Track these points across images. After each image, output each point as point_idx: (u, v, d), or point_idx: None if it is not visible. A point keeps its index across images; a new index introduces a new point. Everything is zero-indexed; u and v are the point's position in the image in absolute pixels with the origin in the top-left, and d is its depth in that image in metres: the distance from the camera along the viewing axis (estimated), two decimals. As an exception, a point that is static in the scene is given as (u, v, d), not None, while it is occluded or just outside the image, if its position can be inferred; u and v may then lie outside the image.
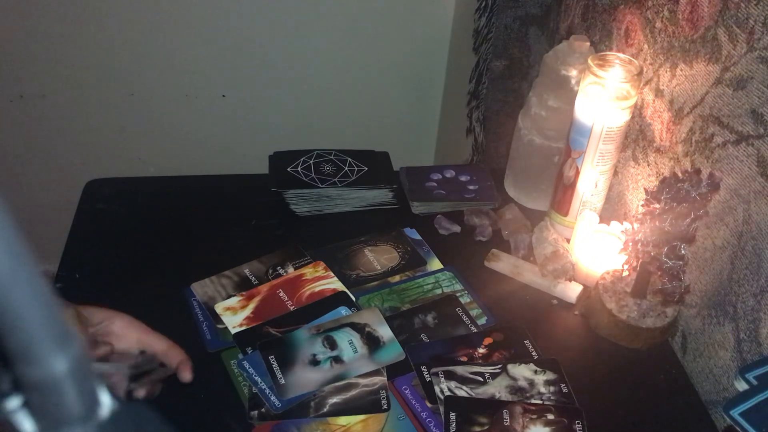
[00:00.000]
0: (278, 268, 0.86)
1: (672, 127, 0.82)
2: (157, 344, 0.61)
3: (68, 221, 0.91)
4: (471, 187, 1.01)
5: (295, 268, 0.86)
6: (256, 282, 0.84)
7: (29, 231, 0.22)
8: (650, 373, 0.78)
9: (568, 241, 0.90)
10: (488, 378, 0.73)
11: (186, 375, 0.61)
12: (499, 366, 0.74)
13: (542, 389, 0.72)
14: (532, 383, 0.73)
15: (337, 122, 1.77)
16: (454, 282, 0.86)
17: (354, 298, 0.82)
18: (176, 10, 1.53)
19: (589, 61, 0.81)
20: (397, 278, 0.86)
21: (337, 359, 0.73)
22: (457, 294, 0.84)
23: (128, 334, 0.61)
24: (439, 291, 0.85)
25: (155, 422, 0.28)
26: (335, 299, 0.81)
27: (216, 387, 0.71)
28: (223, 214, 0.95)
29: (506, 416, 0.68)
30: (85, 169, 1.18)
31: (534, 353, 0.77)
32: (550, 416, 0.69)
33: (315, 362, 0.73)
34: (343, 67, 1.69)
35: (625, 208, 0.95)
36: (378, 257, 0.89)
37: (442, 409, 0.69)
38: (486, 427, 0.67)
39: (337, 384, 0.71)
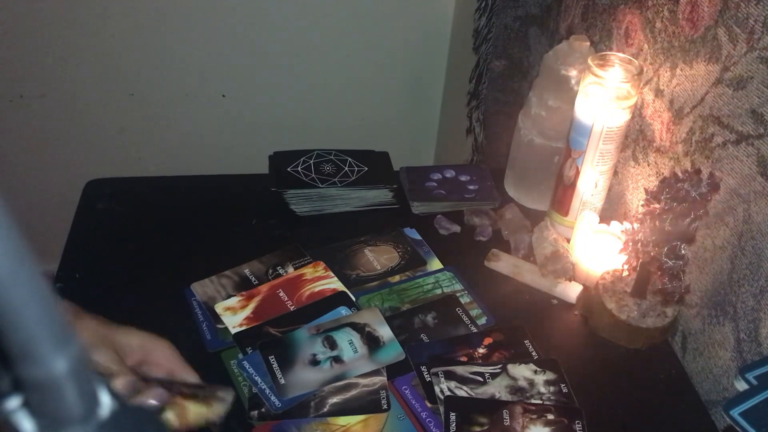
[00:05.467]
0: (278, 268, 0.86)
1: (672, 127, 0.82)
2: (189, 379, 0.59)
3: (68, 221, 0.91)
4: (471, 187, 1.01)
5: (295, 268, 0.86)
6: (256, 282, 0.84)
7: (29, 231, 0.22)
8: (650, 373, 0.78)
9: (568, 241, 0.90)
10: (488, 378, 0.73)
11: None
12: (499, 366, 0.74)
13: (542, 389, 0.72)
14: (532, 383, 0.73)
15: (337, 122, 1.77)
16: (454, 282, 0.86)
17: (354, 298, 0.82)
18: (176, 10, 1.53)
19: (589, 61, 0.81)
20: (397, 278, 0.86)
21: (337, 359, 0.73)
22: (457, 294, 0.84)
23: (164, 365, 0.58)
24: (439, 291, 0.85)
25: (155, 422, 0.28)
26: (335, 299, 0.81)
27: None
28: (223, 214, 0.95)
29: (506, 416, 0.68)
30: (85, 169, 1.18)
31: (534, 353, 0.77)
32: (550, 416, 0.69)
33: (315, 362, 0.73)
34: (343, 67, 1.69)
35: (625, 208, 0.95)
36: (378, 257, 0.89)
37: (442, 409, 0.69)
38: (486, 427, 0.67)
39: (337, 384, 0.71)
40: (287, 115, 1.73)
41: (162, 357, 0.58)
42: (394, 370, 0.74)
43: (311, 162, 0.99)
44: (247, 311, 0.79)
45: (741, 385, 0.55)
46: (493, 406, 0.69)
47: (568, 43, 0.92)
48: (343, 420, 0.68)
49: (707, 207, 0.71)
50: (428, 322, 0.80)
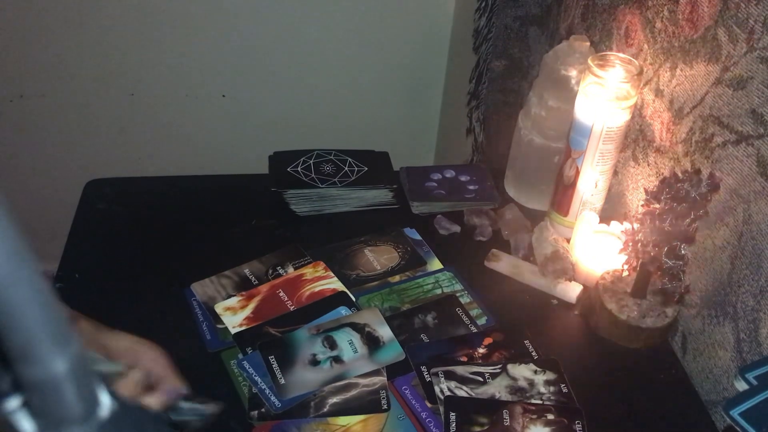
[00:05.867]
0: (278, 268, 0.86)
1: (672, 127, 0.82)
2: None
3: (68, 221, 0.91)
4: (471, 187, 1.01)
5: (295, 268, 0.86)
6: (256, 282, 0.84)
7: (29, 231, 0.22)
8: (650, 373, 0.78)
9: (568, 241, 0.89)
10: (488, 378, 0.73)
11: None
12: (499, 366, 0.74)
13: (542, 389, 0.72)
14: (532, 383, 0.73)
15: (337, 122, 1.77)
16: (454, 282, 0.86)
17: (354, 298, 0.82)
18: (176, 11, 1.53)
19: (589, 61, 0.81)
20: (397, 278, 0.86)
21: (337, 359, 0.73)
22: (457, 294, 0.84)
23: (153, 369, 0.57)
24: (439, 291, 0.85)
25: (155, 422, 0.28)
26: (335, 299, 0.81)
27: (216, 387, 0.71)
28: (223, 215, 0.95)
29: (506, 416, 0.68)
30: (85, 169, 1.18)
31: (534, 353, 0.77)
32: (550, 416, 0.69)
33: (315, 362, 0.73)
34: (343, 67, 1.69)
35: (625, 208, 0.95)
36: (378, 257, 0.89)
37: (442, 409, 0.69)
38: (486, 427, 0.67)
39: (337, 384, 0.71)
40: (287, 115, 1.73)
41: (151, 361, 0.58)
42: (394, 370, 0.74)
43: (311, 162, 0.99)
44: (247, 311, 0.79)
45: (741, 385, 0.55)
46: (493, 406, 0.69)
47: (568, 43, 0.92)
48: (343, 420, 0.68)
49: (707, 207, 0.71)
50: (428, 322, 0.80)
